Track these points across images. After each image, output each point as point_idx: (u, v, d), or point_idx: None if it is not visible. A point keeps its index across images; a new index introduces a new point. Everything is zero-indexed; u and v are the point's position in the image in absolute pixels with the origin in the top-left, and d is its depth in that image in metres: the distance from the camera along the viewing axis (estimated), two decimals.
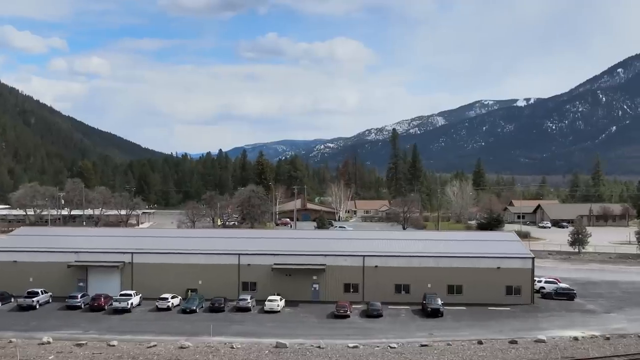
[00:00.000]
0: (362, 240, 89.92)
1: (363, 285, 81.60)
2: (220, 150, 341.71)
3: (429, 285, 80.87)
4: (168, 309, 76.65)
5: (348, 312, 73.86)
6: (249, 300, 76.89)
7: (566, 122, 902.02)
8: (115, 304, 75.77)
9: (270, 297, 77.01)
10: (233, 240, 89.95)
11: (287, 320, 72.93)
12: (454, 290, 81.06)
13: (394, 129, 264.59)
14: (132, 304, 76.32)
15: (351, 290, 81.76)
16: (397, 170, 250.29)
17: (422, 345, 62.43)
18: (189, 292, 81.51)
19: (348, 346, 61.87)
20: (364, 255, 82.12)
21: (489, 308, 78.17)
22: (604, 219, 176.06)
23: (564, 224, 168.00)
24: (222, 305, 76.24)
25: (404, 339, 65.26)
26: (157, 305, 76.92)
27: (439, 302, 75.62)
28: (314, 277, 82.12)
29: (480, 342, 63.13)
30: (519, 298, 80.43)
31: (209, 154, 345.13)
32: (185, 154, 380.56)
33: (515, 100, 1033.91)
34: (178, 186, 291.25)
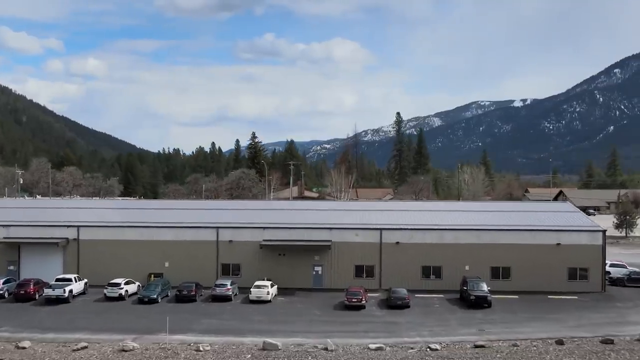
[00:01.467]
0: (378, 211, 69.25)
1: (380, 267, 61.11)
2: (213, 143, 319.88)
3: (467, 268, 60.43)
4: (120, 298, 55.99)
5: (363, 302, 53.45)
6: (228, 287, 56.33)
7: (563, 122, 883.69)
8: (48, 292, 55.09)
9: (257, 283, 56.50)
10: (211, 212, 69.22)
11: (279, 312, 52.42)
12: (500, 274, 60.57)
13: (397, 113, 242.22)
14: (70, 291, 55.56)
15: (364, 274, 61.25)
16: (402, 157, 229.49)
17: (477, 346, 41.99)
18: (152, 277, 61.03)
19: (369, 347, 41.46)
20: (381, 229, 61.62)
21: (549, 297, 57.72)
22: (634, 204, 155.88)
23: (591, 210, 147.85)
24: (193, 293, 55.74)
25: (446, 337, 44.86)
26: (105, 294, 56.34)
27: (485, 288, 55.15)
28: (316, 258, 61.65)
29: (560, 342, 42.64)
30: (586, 284, 59.82)
31: (202, 148, 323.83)
32: (178, 149, 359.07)
33: (512, 101, 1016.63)
34: (168, 180, 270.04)
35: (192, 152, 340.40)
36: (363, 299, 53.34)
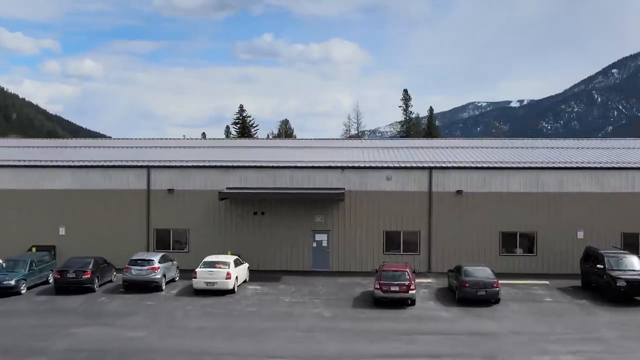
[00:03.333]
0: (422, 149, 41.73)
1: (429, 235, 34.53)
2: (204, 134, 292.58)
3: (580, 235, 34.03)
4: None
5: (411, 291, 26.81)
6: (155, 265, 29.52)
7: (561, 122, 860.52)
8: None
9: (209, 259, 29.85)
10: (144, 150, 41.98)
11: (248, 315, 25.50)
12: (638, 242, 34.16)
13: (405, 90, 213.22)
14: None
15: (401, 247, 34.71)
16: (409, 136, 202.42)
17: None
18: (33, 250, 34.32)
19: None
20: (431, 167, 34.93)
21: None
22: None
23: None
24: (87, 276, 28.98)
25: None
26: None
27: (639, 267, 28.59)
28: (318, 219, 35.01)
29: None
30: None
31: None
32: None
33: (509, 102, 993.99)
34: None
35: None
36: (411, 286, 26.69)
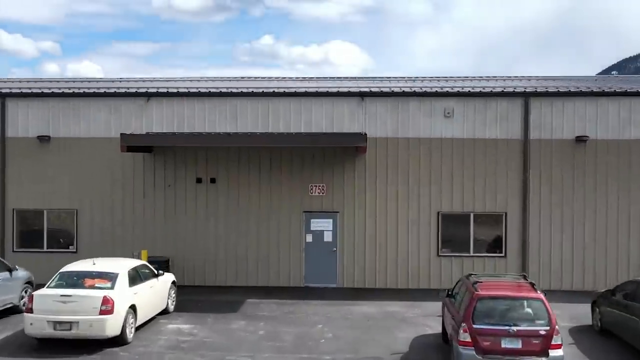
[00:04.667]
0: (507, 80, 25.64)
1: (524, 220, 18.29)
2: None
3: None
4: None
5: (555, 353, 10.32)
6: None
7: None
8: None
9: (71, 268, 13.35)
10: None
11: None
12: None
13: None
14: None
15: (472, 243, 18.40)
16: None
17: None
18: None
19: None
20: (527, 93, 18.35)
21: None
22: None
23: None
24: None
25: None
26: None
27: None
28: (316, 190, 18.74)
29: None
30: None
31: None
32: None
33: None
34: None
35: None
36: (553, 336, 10.33)
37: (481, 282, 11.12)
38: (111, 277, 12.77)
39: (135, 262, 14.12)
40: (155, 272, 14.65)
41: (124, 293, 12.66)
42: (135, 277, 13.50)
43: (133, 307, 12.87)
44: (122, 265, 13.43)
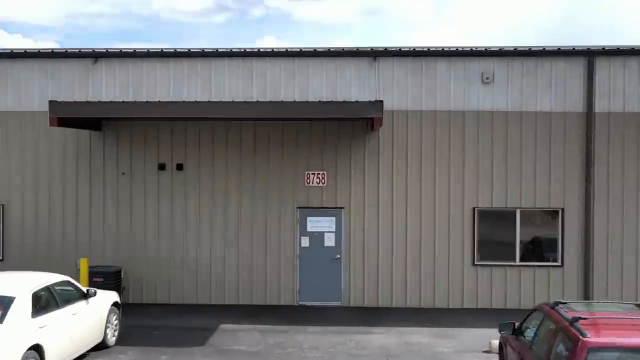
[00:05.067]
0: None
1: (588, 219, 13.94)
2: None
3: None
4: None
5: None
6: None
7: None
8: None
9: None
10: None
11: None
12: None
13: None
14: None
15: (517, 249, 14.14)
16: None
17: None
18: None
19: None
20: (591, 51, 14.05)
21: None
22: None
23: None
24: None
25: None
26: None
27: None
28: (315, 179, 14.42)
29: None
30: None
31: None
32: None
33: None
34: None
35: None
36: None
37: (586, 318, 6.73)
38: (3, 304, 8.40)
39: (50, 278, 9.71)
40: (85, 291, 10.27)
41: (19, 328, 8.28)
42: (47, 301, 9.13)
43: (37, 348, 8.50)
44: (24, 284, 9.04)
